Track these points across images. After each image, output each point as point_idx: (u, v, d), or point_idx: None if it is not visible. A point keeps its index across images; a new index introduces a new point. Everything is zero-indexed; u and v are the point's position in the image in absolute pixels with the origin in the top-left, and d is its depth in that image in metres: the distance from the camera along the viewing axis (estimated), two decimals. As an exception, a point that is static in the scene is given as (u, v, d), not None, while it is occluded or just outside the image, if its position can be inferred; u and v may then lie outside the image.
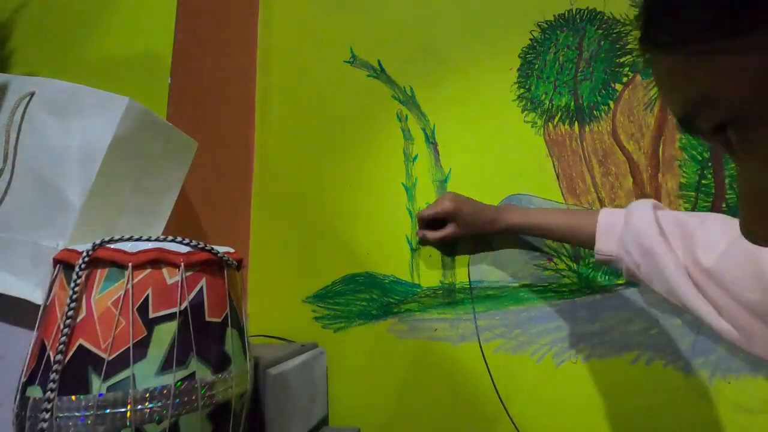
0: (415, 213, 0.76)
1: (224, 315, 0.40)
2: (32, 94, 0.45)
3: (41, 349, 0.35)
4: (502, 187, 0.73)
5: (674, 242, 0.45)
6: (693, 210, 0.65)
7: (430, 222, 0.72)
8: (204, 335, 0.38)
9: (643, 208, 0.49)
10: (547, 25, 0.75)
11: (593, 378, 0.65)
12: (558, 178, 0.71)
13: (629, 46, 0.71)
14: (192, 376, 0.36)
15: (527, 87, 0.75)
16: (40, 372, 0.34)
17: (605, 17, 0.73)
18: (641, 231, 0.47)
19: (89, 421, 0.32)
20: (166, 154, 0.52)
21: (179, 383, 0.35)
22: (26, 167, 0.44)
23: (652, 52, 0.23)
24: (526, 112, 0.74)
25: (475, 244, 0.73)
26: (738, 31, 0.19)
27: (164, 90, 0.60)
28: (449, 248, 0.74)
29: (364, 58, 0.84)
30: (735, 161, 0.23)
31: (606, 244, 0.52)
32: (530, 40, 0.75)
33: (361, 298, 0.77)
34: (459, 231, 0.69)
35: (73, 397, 0.32)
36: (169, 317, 0.36)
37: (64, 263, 0.37)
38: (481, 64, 0.77)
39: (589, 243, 0.54)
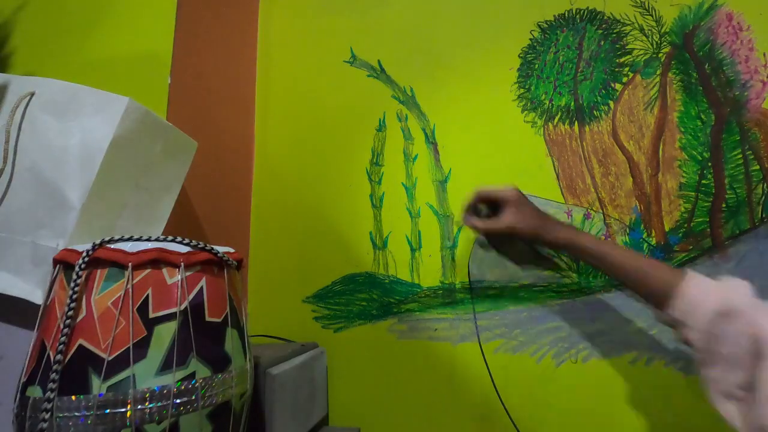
0: (470, 196, 0.61)
1: (224, 315, 0.40)
2: (32, 94, 0.45)
3: (41, 349, 0.35)
4: (502, 187, 0.73)
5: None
6: (693, 210, 0.65)
7: (473, 208, 0.61)
8: (204, 335, 0.38)
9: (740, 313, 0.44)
10: (547, 25, 0.75)
11: (593, 378, 0.65)
12: (558, 177, 0.71)
13: (629, 46, 0.71)
14: (192, 376, 0.36)
15: (527, 87, 0.75)
16: (40, 372, 0.34)
17: (605, 17, 0.73)
18: (726, 333, 0.45)
19: (89, 421, 0.32)
20: (166, 154, 0.52)
21: (179, 383, 0.35)
22: (26, 167, 0.44)
23: None
24: (526, 112, 0.74)
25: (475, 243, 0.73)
26: None
27: (164, 90, 0.60)
28: (503, 243, 0.63)
29: (364, 58, 0.84)
30: None
31: (687, 314, 0.48)
32: (530, 40, 0.75)
33: (361, 298, 0.77)
34: (514, 224, 0.57)
35: (73, 397, 0.32)
36: (169, 317, 0.36)
37: (64, 263, 0.37)
38: (481, 64, 0.77)
39: (654, 297, 0.51)
